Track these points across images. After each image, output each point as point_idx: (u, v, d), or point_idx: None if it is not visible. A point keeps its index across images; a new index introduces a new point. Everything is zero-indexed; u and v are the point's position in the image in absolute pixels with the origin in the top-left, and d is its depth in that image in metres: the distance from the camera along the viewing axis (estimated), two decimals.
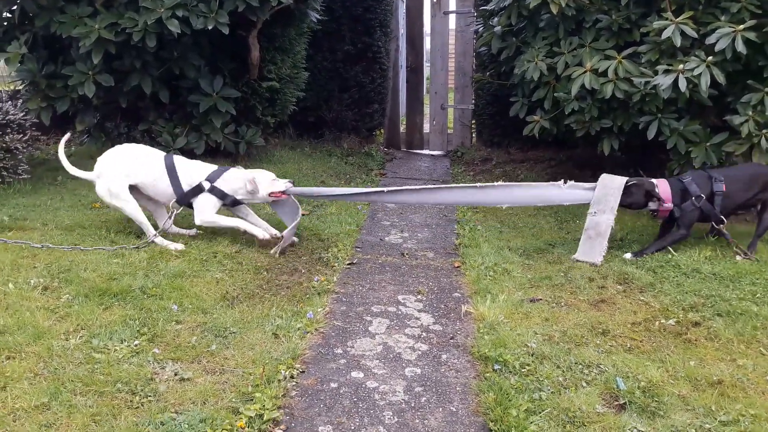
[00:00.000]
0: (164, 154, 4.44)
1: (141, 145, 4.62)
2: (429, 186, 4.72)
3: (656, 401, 2.53)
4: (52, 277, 3.57)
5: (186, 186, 4.31)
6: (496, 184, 4.51)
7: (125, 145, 4.55)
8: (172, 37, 5.38)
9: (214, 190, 4.31)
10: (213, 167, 4.45)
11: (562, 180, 4.40)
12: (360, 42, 8.74)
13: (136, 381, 2.59)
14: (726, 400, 2.55)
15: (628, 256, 4.17)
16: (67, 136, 4.62)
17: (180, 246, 4.18)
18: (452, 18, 9.26)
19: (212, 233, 4.46)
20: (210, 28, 5.39)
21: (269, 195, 4.39)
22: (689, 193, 4.17)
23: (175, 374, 2.68)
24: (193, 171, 4.37)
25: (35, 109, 5.81)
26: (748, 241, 4.27)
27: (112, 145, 4.58)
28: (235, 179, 4.36)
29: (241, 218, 4.46)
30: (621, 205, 4.25)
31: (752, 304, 3.42)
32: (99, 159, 4.39)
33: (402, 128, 9.91)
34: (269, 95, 6.94)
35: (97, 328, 3.00)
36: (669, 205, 4.20)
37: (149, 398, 2.49)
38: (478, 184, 4.52)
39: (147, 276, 3.65)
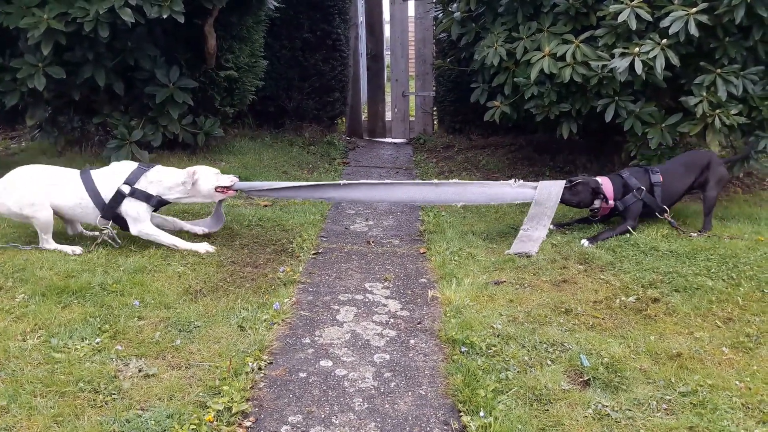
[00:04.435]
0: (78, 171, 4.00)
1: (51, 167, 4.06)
2: (386, 182, 4.60)
3: (619, 376, 2.60)
4: (6, 276, 3.46)
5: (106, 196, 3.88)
6: (451, 181, 4.53)
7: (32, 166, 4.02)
8: (125, 27, 5.22)
9: (135, 193, 3.88)
10: (133, 167, 4.00)
11: (513, 179, 4.46)
12: (319, 30, 8.63)
13: (99, 379, 2.53)
14: (685, 372, 2.63)
15: (584, 242, 4.22)
16: None
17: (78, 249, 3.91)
18: (411, 4, 9.23)
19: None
20: (165, 17, 5.24)
21: (216, 190, 4.02)
22: (629, 187, 4.34)
23: (140, 371, 2.63)
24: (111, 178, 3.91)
25: None
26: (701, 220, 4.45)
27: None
28: (168, 176, 3.96)
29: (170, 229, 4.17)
30: (567, 203, 4.42)
31: (707, 278, 3.54)
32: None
33: (364, 116, 9.86)
34: (227, 85, 6.81)
35: (55, 327, 2.92)
36: (612, 203, 4.37)
37: (113, 396, 2.44)
38: (434, 181, 4.49)
39: (106, 272, 3.57)
